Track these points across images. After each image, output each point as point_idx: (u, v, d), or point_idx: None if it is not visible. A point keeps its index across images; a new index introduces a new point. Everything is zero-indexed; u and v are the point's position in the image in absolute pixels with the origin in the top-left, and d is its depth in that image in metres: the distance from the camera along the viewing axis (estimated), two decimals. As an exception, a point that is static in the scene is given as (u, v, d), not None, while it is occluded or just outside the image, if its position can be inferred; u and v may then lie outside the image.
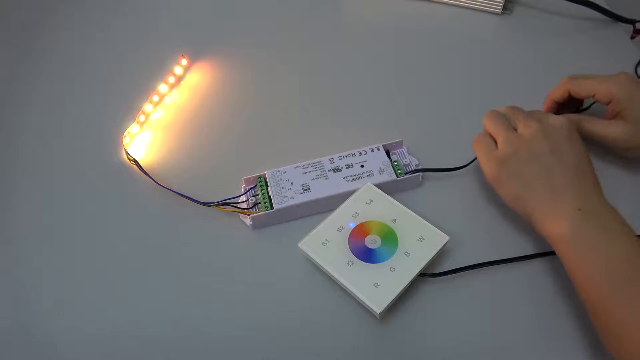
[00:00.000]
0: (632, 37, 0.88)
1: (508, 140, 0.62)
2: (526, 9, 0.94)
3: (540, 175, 0.59)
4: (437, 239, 0.60)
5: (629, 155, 0.69)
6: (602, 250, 0.53)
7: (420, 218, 0.62)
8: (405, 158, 0.70)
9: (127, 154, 0.73)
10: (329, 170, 0.68)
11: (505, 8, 0.93)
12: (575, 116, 0.69)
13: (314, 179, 0.67)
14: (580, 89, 0.69)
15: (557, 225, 0.56)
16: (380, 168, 0.68)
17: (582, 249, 0.54)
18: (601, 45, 0.87)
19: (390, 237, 0.61)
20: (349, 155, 0.69)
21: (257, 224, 0.66)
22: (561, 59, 0.84)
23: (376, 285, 0.57)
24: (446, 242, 0.60)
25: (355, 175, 0.67)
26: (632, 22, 0.88)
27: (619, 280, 0.52)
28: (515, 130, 0.63)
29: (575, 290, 0.55)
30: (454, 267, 0.60)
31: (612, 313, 0.51)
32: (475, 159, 0.68)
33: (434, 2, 0.96)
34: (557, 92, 0.71)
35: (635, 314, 0.50)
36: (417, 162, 0.69)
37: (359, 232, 0.61)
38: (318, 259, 0.59)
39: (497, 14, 0.93)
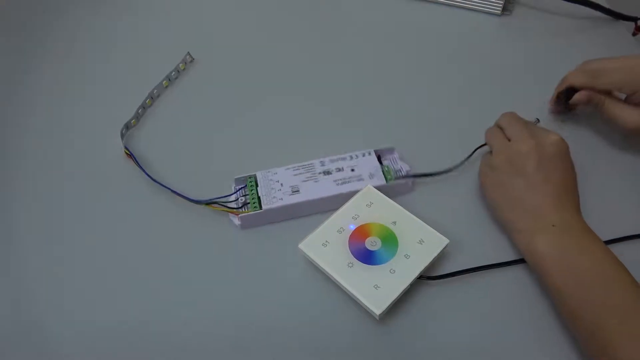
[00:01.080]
0: (634, 34, 0.88)
1: (501, 150, 0.64)
2: (526, 10, 0.94)
3: (523, 189, 0.60)
4: (436, 242, 0.60)
5: None
6: (573, 263, 0.55)
7: (420, 221, 0.62)
8: (397, 164, 0.70)
9: (125, 147, 0.71)
10: (320, 173, 0.67)
11: (505, 9, 0.93)
12: (599, 96, 0.69)
13: (304, 180, 0.66)
14: (606, 84, 0.69)
15: (531, 239, 0.58)
16: (370, 173, 0.67)
17: (553, 262, 0.56)
18: (603, 44, 0.87)
19: (390, 240, 0.60)
20: (340, 158, 0.69)
21: (246, 224, 0.65)
22: (562, 59, 0.83)
23: (376, 287, 0.56)
24: (446, 245, 0.60)
25: (345, 178, 0.67)
26: (633, 19, 0.89)
27: (589, 292, 0.53)
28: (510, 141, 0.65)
29: (551, 300, 0.57)
30: (453, 270, 0.60)
31: (586, 321, 0.52)
32: (466, 159, 0.70)
33: (434, 2, 0.96)
34: (577, 81, 0.70)
35: (609, 320, 0.51)
36: (408, 168, 0.69)
37: (359, 234, 0.61)
38: (318, 260, 0.58)
39: (497, 14, 0.93)
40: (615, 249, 0.57)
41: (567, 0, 0.90)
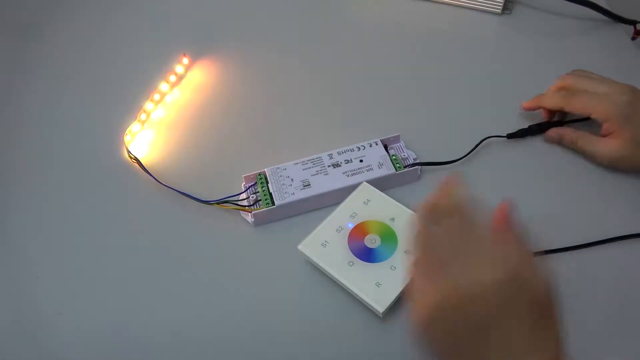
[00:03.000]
0: (633, 38, 0.83)
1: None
2: (526, 9, 0.89)
3: (481, 337, 0.39)
4: None
5: (623, 170, 0.65)
6: None
7: None
8: (403, 152, 0.67)
9: (129, 152, 0.70)
10: (329, 166, 0.65)
11: (505, 8, 0.88)
12: (570, 132, 0.67)
13: (314, 174, 0.64)
14: (576, 108, 0.65)
15: None
16: (379, 162, 0.65)
17: None
18: (602, 46, 0.82)
19: (389, 236, 0.57)
20: (347, 150, 0.66)
21: (259, 221, 0.63)
22: (561, 60, 0.80)
23: (378, 284, 0.54)
24: None
25: (354, 170, 0.64)
26: (633, 22, 0.83)
27: None
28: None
29: None
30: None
31: None
32: (473, 150, 0.67)
33: (434, 2, 0.91)
34: (550, 103, 0.68)
35: None
36: (415, 156, 0.67)
37: (358, 232, 0.58)
38: (318, 261, 0.56)
39: (497, 14, 0.89)
40: (615, 247, 0.57)
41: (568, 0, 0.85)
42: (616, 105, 0.62)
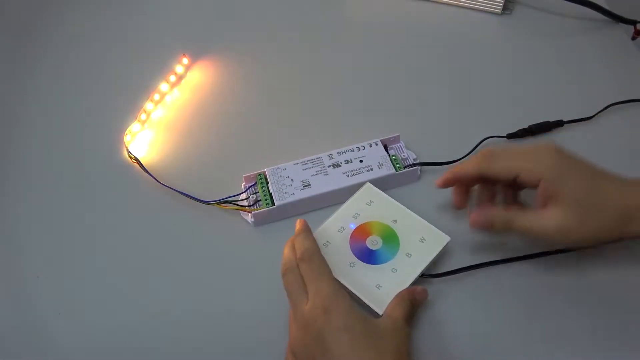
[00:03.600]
0: (633, 38, 0.82)
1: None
2: (526, 9, 0.89)
3: None
4: (438, 240, 0.57)
5: (574, 246, 0.56)
6: None
7: (421, 219, 0.58)
8: (403, 152, 0.66)
9: (129, 152, 0.69)
10: (329, 166, 0.64)
11: (505, 8, 0.87)
12: (502, 213, 0.54)
13: (314, 175, 0.64)
14: (497, 170, 0.53)
15: None
16: (379, 162, 0.64)
17: None
18: (602, 46, 0.82)
19: (391, 238, 0.57)
20: (347, 150, 0.66)
21: (259, 221, 0.63)
22: (561, 60, 0.80)
23: (378, 286, 0.54)
24: (447, 243, 0.56)
25: (354, 170, 0.64)
26: (633, 22, 0.83)
27: None
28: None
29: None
30: (455, 267, 0.57)
31: None
32: (473, 150, 0.67)
33: (434, 2, 0.91)
34: (467, 169, 0.55)
35: None
36: (414, 157, 0.66)
37: (360, 233, 0.58)
38: None
39: (497, 14, 0.88)
40: (614, 247, 0.55)
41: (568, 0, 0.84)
42: (545, 161, 0.51)
